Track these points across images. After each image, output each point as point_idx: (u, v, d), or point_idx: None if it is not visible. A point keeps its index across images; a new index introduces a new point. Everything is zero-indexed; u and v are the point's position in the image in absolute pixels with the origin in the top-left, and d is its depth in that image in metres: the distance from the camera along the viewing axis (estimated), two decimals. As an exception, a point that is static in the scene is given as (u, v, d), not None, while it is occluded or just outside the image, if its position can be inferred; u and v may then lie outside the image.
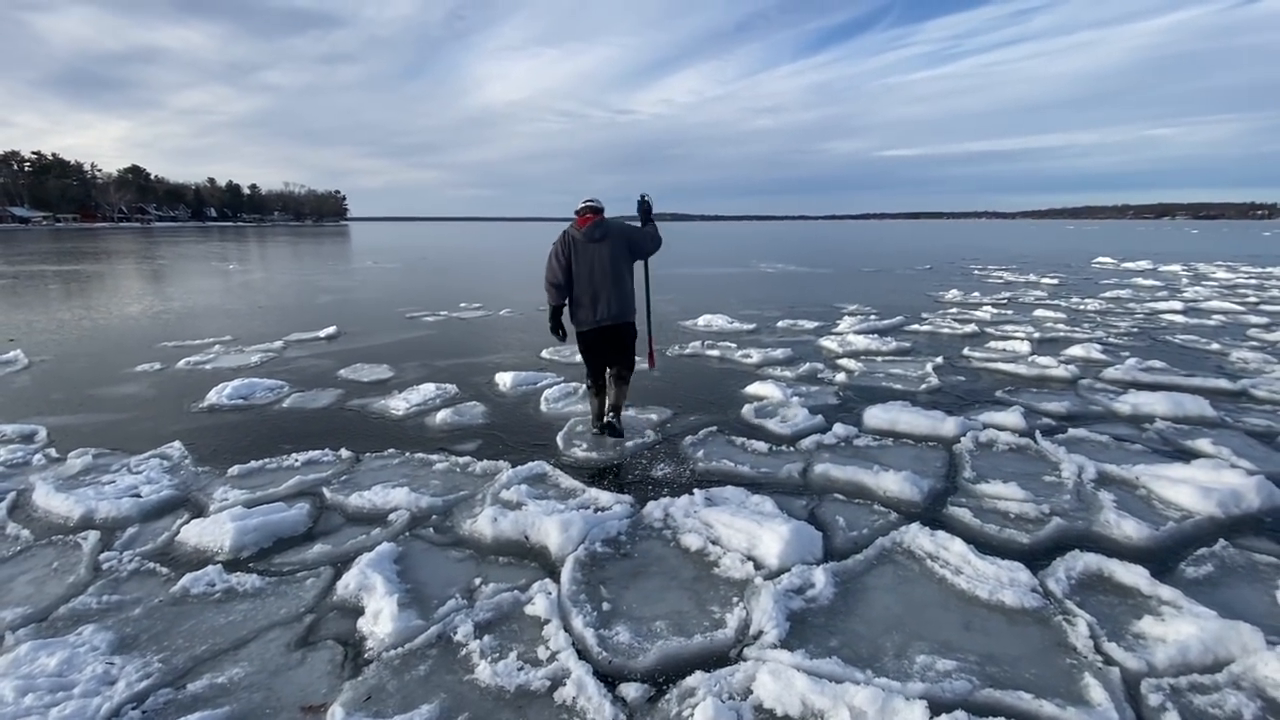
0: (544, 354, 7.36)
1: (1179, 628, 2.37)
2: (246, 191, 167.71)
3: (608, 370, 4.57)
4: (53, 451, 4.36)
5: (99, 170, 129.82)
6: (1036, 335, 8.52)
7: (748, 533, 3.03)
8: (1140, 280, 16.18)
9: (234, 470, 3.99)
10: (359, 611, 2.55)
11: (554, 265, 4.36)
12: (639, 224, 4.61)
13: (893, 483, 3.68)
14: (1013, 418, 4.89)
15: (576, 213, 4.41)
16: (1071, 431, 4.66)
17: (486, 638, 2.38)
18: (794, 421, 4.80)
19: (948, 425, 4.68)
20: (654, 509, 3.35)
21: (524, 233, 78.59)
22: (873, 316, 10.08)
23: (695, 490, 3.51)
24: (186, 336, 8.53)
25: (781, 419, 4.91)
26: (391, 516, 3.37)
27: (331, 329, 8.82)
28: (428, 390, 5.71)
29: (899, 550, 3.01)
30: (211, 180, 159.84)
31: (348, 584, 2.70)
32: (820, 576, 2.70)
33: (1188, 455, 4.25)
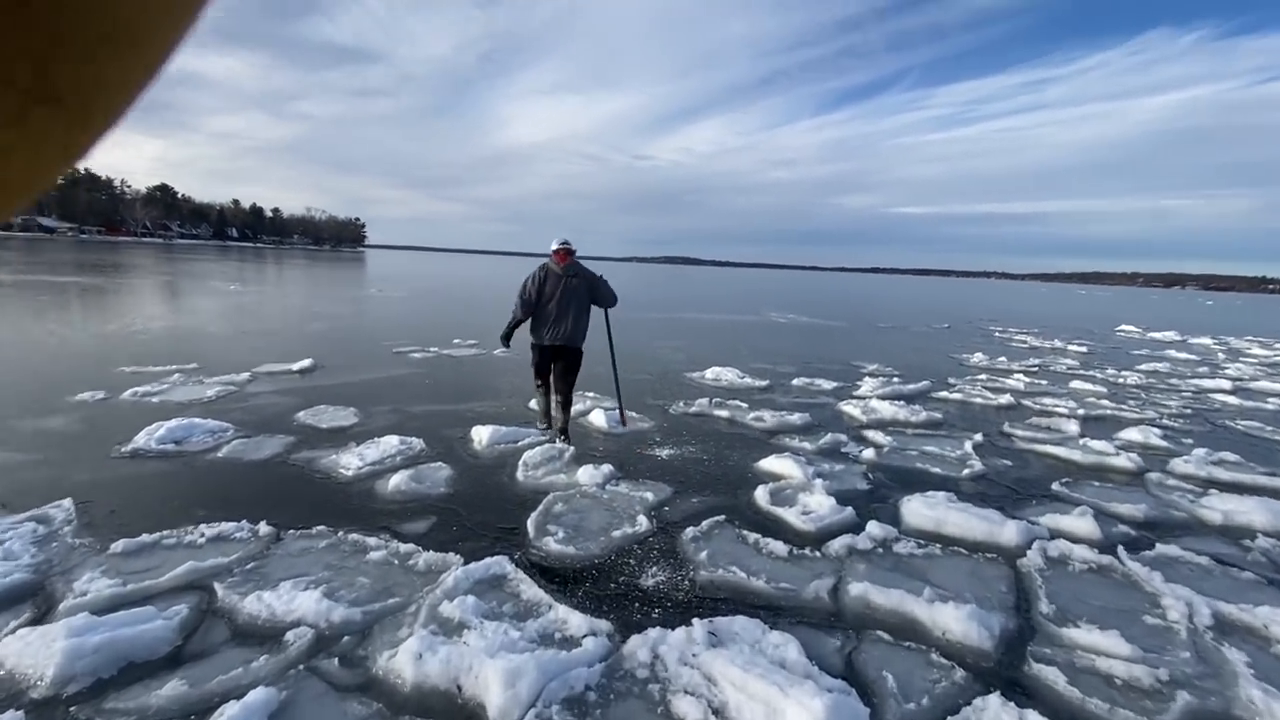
0: (532, 404, 6.56)
1: None
2: (269, 214, 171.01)
3: (553, 398, 5.40)
4: (-87, 504, 3.58)
5: (128, 186, 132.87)
6: (1081, 412, 7.69)
7: (766, 701, 2.17)
8: (1174, 353, 15.34)
9: (118, 545, 3.18)
10: (184, 819, 1.71)
11: (529, 287, 5.17)
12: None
13: (953, 619, 2.82)
14: (1084, 524, 4.03)
15: (554, 251, 5.21)
16: (1160, 548, 3.80)
17: None
18: (819, 514, 3.96)
19: (1007, 531, 3.82)
20: (639, 646, 2.51)
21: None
22: (896, 379, 9.26)
23: (695, 620, 2.66)
24: (149, 361, 7.82)
25: (803, 508, 4.07)
26: (290, 635, 2.53)
27: (307, 362, 8.09)
28: (389, 444, 4.91)
29: (978, 742, 2.15)
30: (236, 201, 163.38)
31: (184, 763, 1.86)
32: (873, 796, 1.84)
33: (1320, 593, 3.37)
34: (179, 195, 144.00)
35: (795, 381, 8.67)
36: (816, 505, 4.10)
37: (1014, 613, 3.01)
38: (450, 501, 4.04)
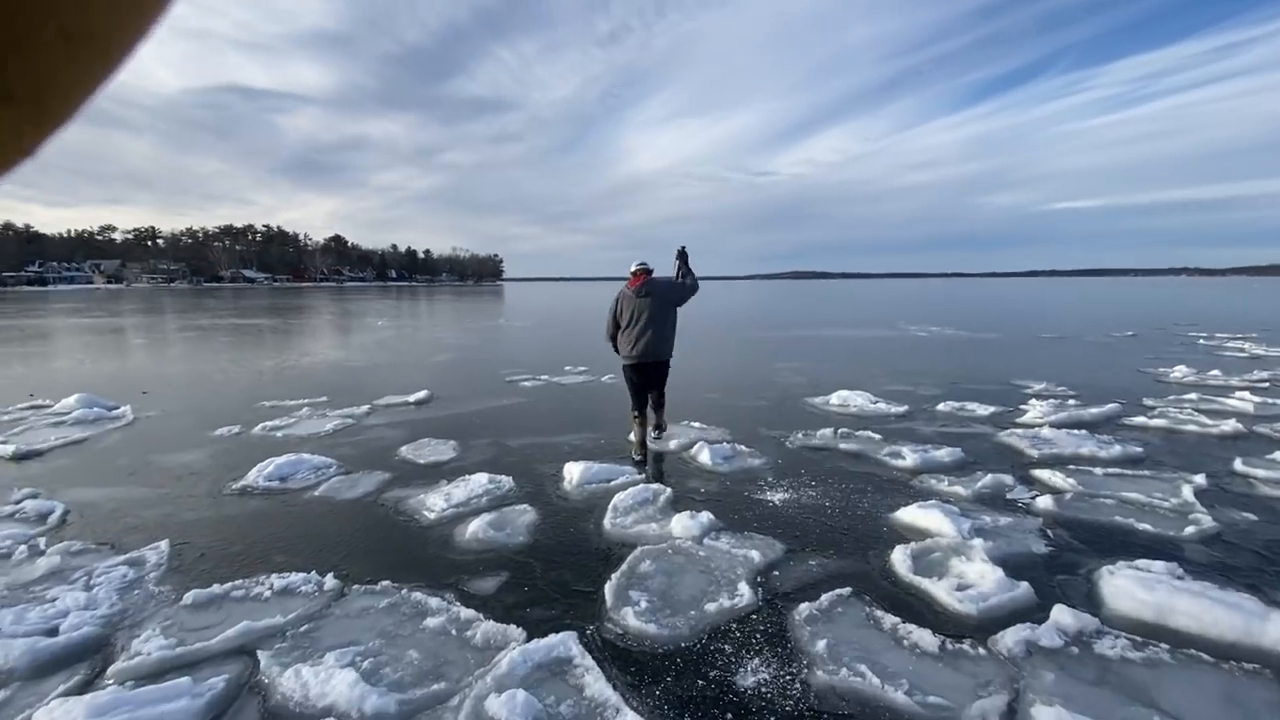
0: (632, 436, 6.07)
1: None
2: (421, 256, 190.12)
3: (648, 399, 5.55)
4: (41, 543, 3.77)
5: (309, 239, 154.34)
6: (1351, 443, 5.77)
7: None
8: None
9: (189, 597, 3.07)
10: None
11: (611, 316, 5.57)
12: (679, 268, 5.64)
13: (1216, 789, 1.85)
14: None
15: (631, 273, 5.51)
16: None
17: None
18: (981, 590, 3.02)
19: (1273, 626, 2.67)
20: (724, 792, 1.84)
21: (659, 291, 79.08)
22: (1071, 401, 7.66)
23: (804, 757, 1.95)
24: (287, 395, 8.38)
25: (958, 580, 3.15)
26: (314, 729, 2.17)
27: (423, 393, 8.26)
28: (477, 484, 4.63)
29: None
30: (394, 246, 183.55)
31: None
32: None
33: None
34: (349, 244, 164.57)
35: (941, 406, 7.43)
36: (977, 577, 3.16)
37: (1321, 780, 1.95)
38: (527, 553, 3.60)
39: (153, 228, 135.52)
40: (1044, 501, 4.28)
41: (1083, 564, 3.40)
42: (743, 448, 5.64)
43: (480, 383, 9.60)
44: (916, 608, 2.96)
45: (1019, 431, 6.11)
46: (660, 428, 5.77)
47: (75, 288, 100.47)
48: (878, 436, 6.01)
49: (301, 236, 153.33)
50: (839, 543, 3.70)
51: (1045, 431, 5.99)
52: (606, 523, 3.99)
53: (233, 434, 6.42)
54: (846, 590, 3.06)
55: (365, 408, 7.60)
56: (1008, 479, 4.73)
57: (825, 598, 2.99)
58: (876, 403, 7.54)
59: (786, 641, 2.70)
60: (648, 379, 5.46)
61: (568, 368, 10.75)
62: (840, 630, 2.76)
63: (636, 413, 5.53)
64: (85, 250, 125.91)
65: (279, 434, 6.42)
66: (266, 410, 7.53)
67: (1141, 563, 3.31)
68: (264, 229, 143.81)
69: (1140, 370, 10.44)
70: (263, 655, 2.60)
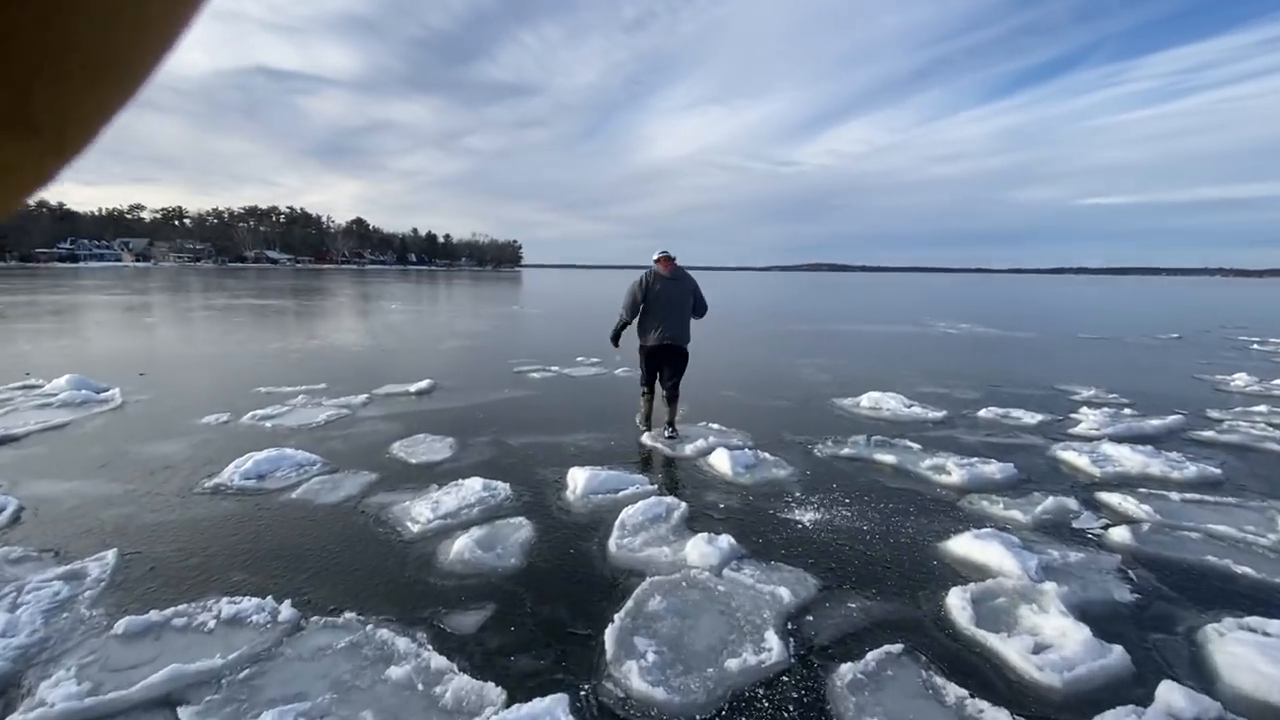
0: (645, 439, 5.56)
1: None
2: (441, 240, 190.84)
3: (659, 388, 5.62)
4: (-21, 546, 3.38)
5: (332, 221, 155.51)
6: None
7: None
8: None
9: (121, 626, 2.62)
10: None
11: (635, 292, 5.43)
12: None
13: None
14: None
15: (657, 259, 5.47)
16: None
17: None
18: (1064, 654, 2.47)
19: None
20: None
21: (677, 281, 77.87)
22: (1127, 411, 7.00)
23: None
24: (285, 381, 8.00)
25: (1033, 639, 2.59)
26: (225, 828, 1.71)
27: (425, 383, 7.83)
28: (470, 490, 4.16)
29: None
30: (415, 230, 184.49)
31: None
32: None
33: None
34: (370, 227, 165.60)
35: (982, 412, 6.80)
36: (1056, 634, 2.61)
37: None
38: (518, 581, 3.12)
39: (180, 207, 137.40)
40: (1118, 534, 3.69)
41: (1179, 618, 2.83)
42: (766, 455, 5.10)
43: (487, 373, 9.14)
44: (984, 674, 2.42)
45: (1075, 445, 5.49)
46: (672, 425, 5.58)
47: (105, 265, 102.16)
48: (916, 446, 5.44)
49: (324, 219, 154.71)
50: (882, 579, 3.16)
51: (1105, 446, 5.36)
52: (612, 544, 3.49)
53: (220, 422, 6.02)
54: (897, 647, 2.52)
55: (363, 397, 7.18)
56: (1071, 503, 4.14)
57: (871, 656, 2.46)
58: (911, 406, 6.95)
59: (826, 717, 2.18)
60: (665, 360, 5.52)
61: (580, 359, 10.27)
62: (893, 703, 2.23)
63: (646, 390, 5.64)
64: (115, 228, 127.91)
65: (268, 424, 6.01)
66: (261, 396, 7.14)
67: (1254, 620, 2.74)
68: (288, 211, 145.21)
69: (1195, 377, 9.67)
70: (185, 712, 2.15)
